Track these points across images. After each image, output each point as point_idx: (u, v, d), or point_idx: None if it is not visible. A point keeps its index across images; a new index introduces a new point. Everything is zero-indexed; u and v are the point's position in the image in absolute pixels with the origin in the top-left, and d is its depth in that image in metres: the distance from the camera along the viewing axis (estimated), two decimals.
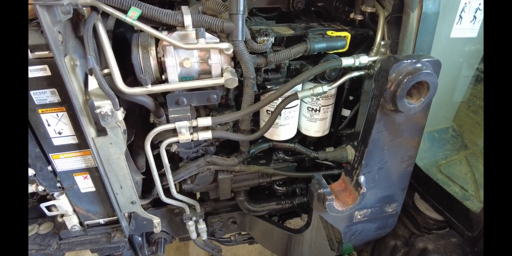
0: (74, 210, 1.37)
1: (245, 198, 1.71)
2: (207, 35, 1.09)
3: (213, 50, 1.12)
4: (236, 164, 1.48)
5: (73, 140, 1.15)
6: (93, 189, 1.31)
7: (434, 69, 0.99)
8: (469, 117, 1.62)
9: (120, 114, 1.09)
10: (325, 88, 1.28)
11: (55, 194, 1.30)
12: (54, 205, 1.33)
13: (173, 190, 1.45)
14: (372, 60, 1.26)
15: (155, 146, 1.30)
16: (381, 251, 1.67)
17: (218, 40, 1.11)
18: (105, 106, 1.04)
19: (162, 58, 1.11)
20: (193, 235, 1.76)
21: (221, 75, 1.16)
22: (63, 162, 1.21)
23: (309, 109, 1.46)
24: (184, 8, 1.11)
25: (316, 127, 1.51)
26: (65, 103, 1.06)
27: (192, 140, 1.27)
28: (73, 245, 1.44)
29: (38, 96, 1.04)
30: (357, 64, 1.24)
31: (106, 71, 1.07)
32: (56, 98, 1.05)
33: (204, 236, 1.79)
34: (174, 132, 1.25)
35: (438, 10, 1.10)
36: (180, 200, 1.53)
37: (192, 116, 1.23)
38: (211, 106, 1.37)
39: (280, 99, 1.29)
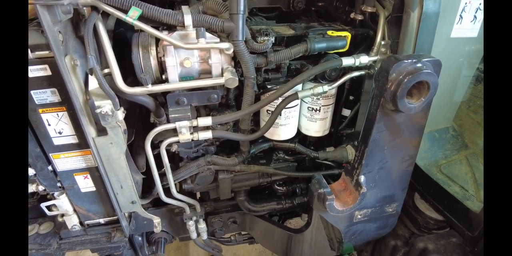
0: (75, 210, 1.37)
1: (245, 198, 1.71)
2: (208, 35, 1.09)
3: (214, 50, 1.12)
4: (237, 164, 1.48)
5: (73, 139, 1.15)
6: (94, 188, 1.31)
7: (434, 69, 0.99)
8: (470, 117, 1.62)
9: (121, 114, 1.09)
10: (326, 88, 1.28)
11: (56, 193, 1.30)
12: (54, 205, 1.33)
13: (173, 190, 1.45)
14: (373, 60, 1.26)
15: (155, 146, 1.30)
16: (381, 251, 1.67)
17: (218, 40, 1.11)
18: (105, 105, 1.04)
19: (162, 58, 1.11)
20: (193, 235, 1.76)
21: (222, 75, 1.16)
22: (63, 162, 1.21)
23: (309, 109, 1.46)
24: (184, 8, 1.11)
25: (316, 127, 1.51)
26: (66, 102, 1.06)
27: (192, 140, 1.27)
28: (74, 244, 1.44)
29: (39, 95, 1.04)
30: (357, 64, 1.24)
31: (106, 70, 1.07)
32: (56, 98, 1.05)
33: (204, 236, 1.79)
34: (174, 132, 1.25)
35: (439, 10, 1.10)
36: (180, 200, 1.53)
37: (193, 116, 1.23)
38: (211, 106, 1.37)
39: (280, 99, 1.29)
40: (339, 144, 1.60)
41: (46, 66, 0.98)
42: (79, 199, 1.33)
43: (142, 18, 1.02)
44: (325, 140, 1.69)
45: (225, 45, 1.10)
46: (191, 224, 1.68)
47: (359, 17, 1.36)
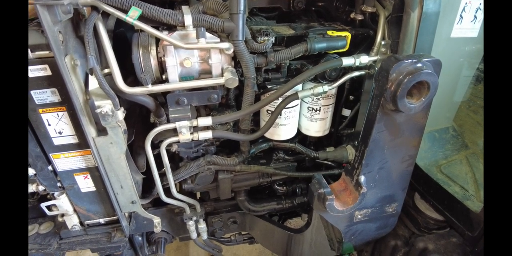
0: (75, 210, 1.37)
1: (245, 197, 1.71)
2: (208, 35, 1.09)
3: (214, 50, 1.12)
4: (237, 164, 1.48)
5: (73, 139, 1.15)
6: (94, 188, 1.31)
7: (434, 69, 0.99)
8: (470, 117, 1.62)
9: (121, 113, 1.09)
10: (326, 88, 1.28)
11: (56, 193, 1.30)
12: (54, 205, 1.33)
13: (174, 190, 1.45)
14: (373, 60, 1.26)
15: (155, 145, 1.30)
16: (382, 251, 1.67)
17: (218, 40, 1.11)
18: (105, 105, 1.04)
19: (162, 58, 1.11)
20: (194, 235, 1.76)
21: (222, 75, 1.16)
22: (63, 162, 1.21)
23: (309, 109, 1.46)
24: (184, 8, 1.11)
25: (316, 127, 1.51)
26: (66, 102, 1.06)
27: (192, 140, 1.27)
28: (74, 244, 1.44)
29: (39, 95, 1.04)
30: (357, 64, 1.24)
31: (106, 70, 1.07)
32: (56, 98, 1.05)
33: (205, 235, 1.79)
34: (174, 132, 1.25)
35: (439, 10, 1.10)
36: (180, 199, 1.53)
37: (193, 116, 1.23)
38: (211, 105, 1.37)
39: (280, 99, 1.29)
40: (339, 144, 1.60)
41: (46, 66, 0.98)
42: (79, 199, 1.33)
43: (142, 18, 1.02)
44: (325, 140, 1.69)
45: (225, 45, 1.10)
46: (191, 224, 1.68)
47: (359, 17, 1.36)
